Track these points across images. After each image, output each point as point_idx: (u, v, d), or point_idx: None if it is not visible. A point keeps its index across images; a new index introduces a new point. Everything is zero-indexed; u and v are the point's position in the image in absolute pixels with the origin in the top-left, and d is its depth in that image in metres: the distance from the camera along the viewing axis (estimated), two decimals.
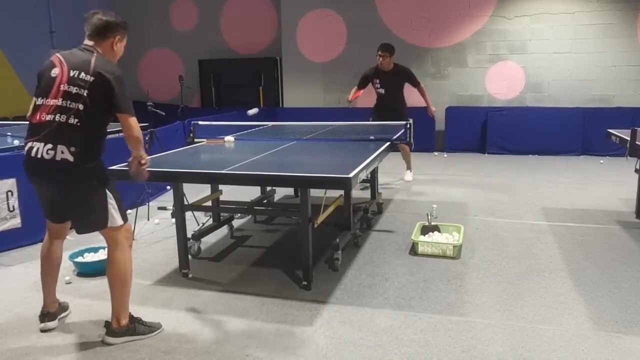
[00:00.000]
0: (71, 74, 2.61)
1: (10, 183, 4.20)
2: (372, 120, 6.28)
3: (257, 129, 5.62)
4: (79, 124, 2.58)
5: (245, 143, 4.69)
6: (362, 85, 6.53)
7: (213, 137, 4.78)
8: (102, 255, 3.89)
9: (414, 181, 6.82)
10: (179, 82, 7.58)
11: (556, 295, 3.33)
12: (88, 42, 2.74)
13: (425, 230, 4.32)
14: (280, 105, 10.67)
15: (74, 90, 2.59)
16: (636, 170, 4.90)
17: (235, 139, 4.77)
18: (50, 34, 9.70)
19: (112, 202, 2.72)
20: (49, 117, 2.60)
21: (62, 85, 2.61)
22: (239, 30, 10.99)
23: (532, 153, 8.76)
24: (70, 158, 2.56)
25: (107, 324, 2.83)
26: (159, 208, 4.88)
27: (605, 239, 4.39)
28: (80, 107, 2.58)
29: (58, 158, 2.56)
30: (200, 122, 4.99)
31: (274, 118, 9.31)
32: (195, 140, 4.75)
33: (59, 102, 2.59)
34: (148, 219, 5.10)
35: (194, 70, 11.13)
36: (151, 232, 4.81)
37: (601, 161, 8.07)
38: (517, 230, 4.69)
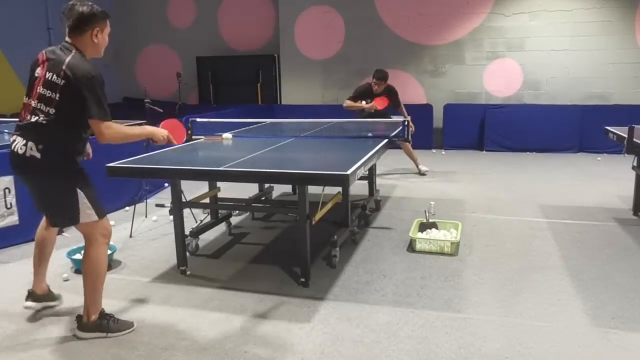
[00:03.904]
0: (47, 76, 2.63)
1: (8, 180, 4.20)
2: None
3: (255, 126, 5.62)
4: (45, 122, 2.61)
5: (243, 140, 4.68)
6: (356, 99, 6.73)
7: (211, 134, 4.77)
8: None
9: (412, 178, 6.83)
10: (177, 79, 7.58)
11: (553, 292, 3.34)
12: (67, 38, 2.70)
13: (423, 227, 4.33)
14: (278, 102, 10.66)
15: (47, 93, 2.62)
16: (633, 168, 4.91)
17: (232, 136, 4.76)
18: (48, 31, 9.66)
19: (84, 200, 2.70)
20: (27, 116, 2.67)
21: (39, 87, 2.65)
22: (237, 27, 10.97)
23: (530, 150, 8.77)
24: (37, 155, 2.60)
25: (78, 318, 2.86)
26: (157, 205, 4.86)
27: (603, 236, 4.40)
28: (52, 111, 2.61)
29: (28, 154, 2.61)
30: (198, 119, 4.98)
31: (272, 115, 9.31)
32: (193, 137, 4.75)
33: (34, 103, 2.65)
34: (146, 216, 5.10)
35: (191, 67, 11.10)
36: (149, 229, 4.80)
37: (598, 158, 8.09)
38: (514, 227, 4.70)
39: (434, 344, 2.73)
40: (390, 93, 6.75)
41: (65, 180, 2.69)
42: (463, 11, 9.25)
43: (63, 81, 2.57)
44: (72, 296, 3.28)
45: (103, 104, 2.61)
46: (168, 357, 2.64)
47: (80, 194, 2.69)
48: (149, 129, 3.00)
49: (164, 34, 11.42)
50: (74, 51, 2.65)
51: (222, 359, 2.62)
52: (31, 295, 3.09)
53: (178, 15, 11.30)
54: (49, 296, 3.15)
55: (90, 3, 2.70)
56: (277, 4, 10.34)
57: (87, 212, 2.71)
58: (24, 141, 2.62)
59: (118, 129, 2.71)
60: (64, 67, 2.57)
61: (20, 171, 2.76)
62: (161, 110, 5.24)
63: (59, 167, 2.67)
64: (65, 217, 2.76)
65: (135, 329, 2.91)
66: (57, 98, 2.59)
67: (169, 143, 3.07)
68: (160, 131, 3.01)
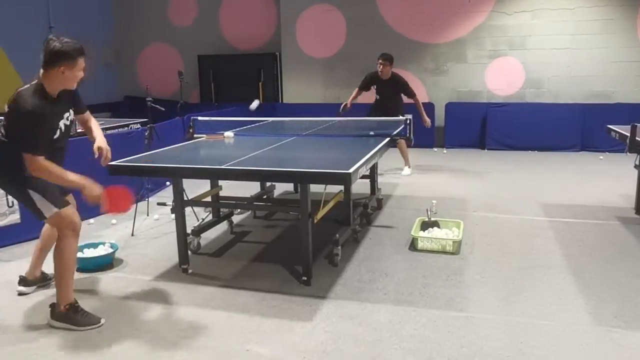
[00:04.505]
0: (7, 103, 2.81)
1: None
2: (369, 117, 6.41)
3: (256, 124, 5.62)
4: None
5: (244, 138, 4.69)
6: (364, 87, 6.90)
7: (212, 133, 4.78)
8: (102, 251, 3.90)
9: (413, 177, 6.82)
10: (178, 77, 7.55)
11: (555, 290, 3.33)
12: (41, 69, 2.80)
13: (424, 225, 4.32)
14: (280, 100, 10.66)
15: (2, 118, 2.87)
16: (636, 166, 4.91)
17: (234, 134, 4.76)
18: (49, 30, 9.66)
19: (38, 197, 2.85)
20: None
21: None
22: (238, 26, 10.96)
23: (532, 149, 8.76)
24: None
25: (52, 306, 2.97)
26: (159, 204, 4.87)
27: (605, 235, 4.40)
28: (2, 133, 2.86)
29: None
30: (199, 118, 4.98)
31: (273, 114, 9.30)
32: (195, 135, 4.75)
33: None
34: (147, 215, 5.10)
35: (193, 65, 11.10)
36: (151, 227, 4.81)
37: (600, 157, 8.08)
38: (516, 225, 4.69)
39: (436, 342, 2.73)
40: (398, 84, 6.73)
41: (15, 187, 2.96)
42: (464, 9, 9.24)
43: (8, 109, 2.77)
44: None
45: (30, 139, 2.71)
46: (170, 356, 2.64)
47: (32, 192, 2.86)
48: (82, 181, 2.86)
49: (165, 32, 11.41)
50: (32, 83, 2.79)
51: (224, 358, 2.62)
52: (23, 281, 3.38)
53: (179, 14, 11.29)
54: (40, 279, 3.44)
55: (66, 40, 2.75)
56: (278, 3, 10.33)
57: (46, 206, 2.87)
58: None
59: (44, 167, 2.74)
60: (12, 97, 2.76)
61: None
62: (163, 109, 5.23)
63: (6, 179, 2.94)
64: (34, 214, 2.96)
65: (103, 324, 2.95)
66: (4, 124, 2.84)
67: (100, 205, 2.93)
68: (94, 190, 2.88)
